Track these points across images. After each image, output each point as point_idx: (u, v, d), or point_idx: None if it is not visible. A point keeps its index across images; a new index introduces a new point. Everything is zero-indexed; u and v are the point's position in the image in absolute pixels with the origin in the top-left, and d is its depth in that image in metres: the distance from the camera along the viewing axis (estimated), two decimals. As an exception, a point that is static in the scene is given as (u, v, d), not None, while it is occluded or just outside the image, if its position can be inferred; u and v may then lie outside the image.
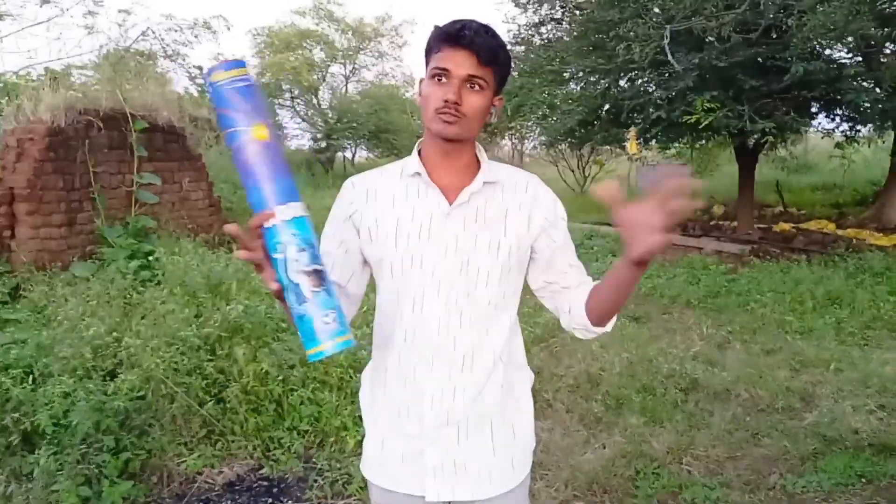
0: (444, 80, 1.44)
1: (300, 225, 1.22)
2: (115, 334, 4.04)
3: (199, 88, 15.07)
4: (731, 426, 4.02)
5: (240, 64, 1.23)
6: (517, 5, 11.07)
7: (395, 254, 1.53)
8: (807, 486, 3.36)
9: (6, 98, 7.29)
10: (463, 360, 1.54)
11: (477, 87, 1.45)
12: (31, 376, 3.63)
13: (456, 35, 1.42)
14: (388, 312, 1.58)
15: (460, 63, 1.42)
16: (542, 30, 11.37)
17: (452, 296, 1.52)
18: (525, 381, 1.69)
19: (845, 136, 10.07)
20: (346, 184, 1.63)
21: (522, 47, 11.43)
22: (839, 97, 8.55)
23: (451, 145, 1.51)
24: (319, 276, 1.23)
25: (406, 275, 1.53)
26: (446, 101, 1.43)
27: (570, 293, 1.60)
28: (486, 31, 1.44)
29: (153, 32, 12.60)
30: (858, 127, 9.76)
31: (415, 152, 1.58)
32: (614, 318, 1.57)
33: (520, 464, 1.66)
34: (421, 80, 1.53)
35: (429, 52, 1.48)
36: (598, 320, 1.54)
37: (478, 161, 1.58)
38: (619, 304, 1.51)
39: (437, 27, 1.47)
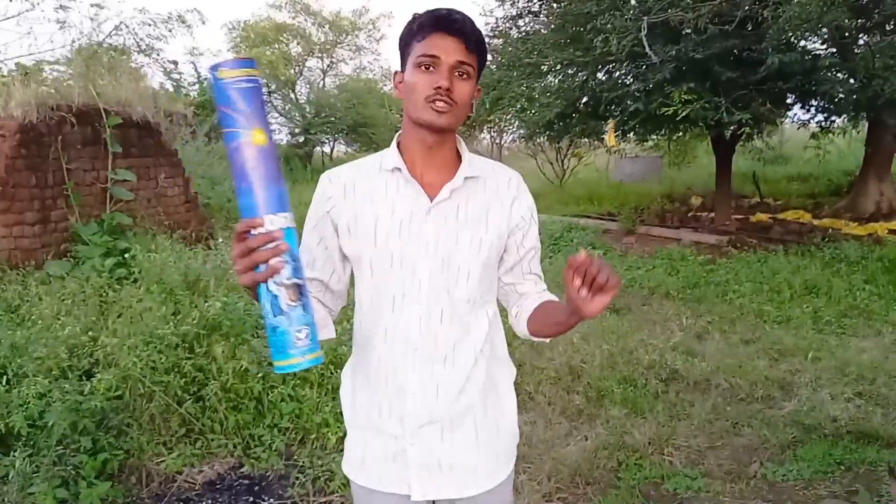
0: (432, 67, 1.41)
1: (287, 237, 1.21)
2: (90, 333, 3.98)
3: (175, 83, 14.90)
4: (711, 416, 4.04)
5: (250, 63, 1.20)
6: (494, -2, 11.07)
7: (375, 251, 1.50)
8: (787, 474, 3.39)
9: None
10: (444, 358, 1.52)
11: (465, 75, 1.42)
12: (4, 377, 3.57)
13: (445, 21, 1.40)
14: (368, 309, 1.56)
15: (450, 50, 1.40)
16: (520, 22, 11.35)
17: (433, 294, 1.50)
18: (507, 376, 1.68)
19: (820, 126, 10.18)
20: (322, 178, 1.60)
21: (500, 40, 11.40)
22: (814, 88, 8.63)
23: (436, 137, 1.48)
24: (298, 290, 1.22)
25: (385, 272, 1.50)
26: (438, 89, 1.39)
27: (521, 300, 1.63)
28: (470, 18, 1.43)
29: (126, 27, 12.39)
30: (833, 117, 9.85)
31: (393, 145, 1.54)
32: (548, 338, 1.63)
33: (504, 459, 1.65)
34: (397, 73, 1.50)
35: (408, 41, 1.45)
36: (536, 335, 1.59)
37: (458, 154, 1.56)
38: (554, 335, 1.58)
39: (416, 15, 1.45)
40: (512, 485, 1.70)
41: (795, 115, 10.43)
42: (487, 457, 1.60)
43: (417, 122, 1.45)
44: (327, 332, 1.53)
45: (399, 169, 1.50)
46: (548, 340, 1.63)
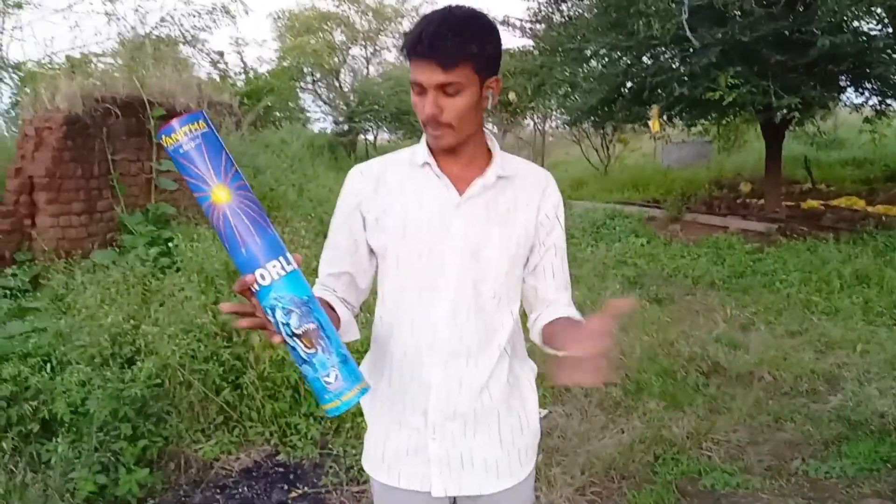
0: (421, 92, 1.40)
1: (285, 285, 1.12)
2: (133, 322, 4.06)
3: (220, 74, 15.09)
4: (752, 410, 3.95)
5: (191, 119, 1.10)
6: (537, -18, 10.90)
7: (403, 244, 1.49)
8: (830, 471, 3.30)
9: (26, 87, 7.34)
10: (469, 353, 1.51)
11: (453, 92, 1.38)
12: (49, 364, 3.66)
13: (413, 47, 1.35)
14: (393, 302, 1.55)
15: (428, 75, 1.36)
16: (563, 7, 11.16)
17: (460, 288, 1.49)
18: (530, 373, 1.67)
19: (875, 110, 9.81)
20: (351, 172, 1.59)
21: (542, 25, 11.26)
22: (868, 70, 8.32)
23: (449, 150, 1.49)
24: (312, 335, 1.14)
25: (413, 266, 1.50)
26: (427, 116, 1.39)
27: (541, 305, 1.59)
28: (451, 28, 1.35)
29: (172, 18, 12.60)
30: (889, 101, 9.50)
31: (423, 141, 1.53)
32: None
33: (526, 457, 1.63)
34: None
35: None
36: (548, 345, 1.52)
37: (488, 150, 1.54)
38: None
39: (405, 32, 1.43)
40: (533, 483, 1.69)
41: (849, 98, 10.08)
42: (510, 454, 1.58)
43: None
44: (351, 334, 1.50)
45: (429, 164, 1.50)
46: (560, 354, 1.55)
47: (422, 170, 1.51)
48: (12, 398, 3.33)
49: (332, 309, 1.39)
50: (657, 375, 4.32)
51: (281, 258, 1.13)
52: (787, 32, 7.74)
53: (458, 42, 1.34)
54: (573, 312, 1.56)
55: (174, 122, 1.09)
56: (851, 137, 16.74)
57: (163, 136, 1.10)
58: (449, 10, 1.39)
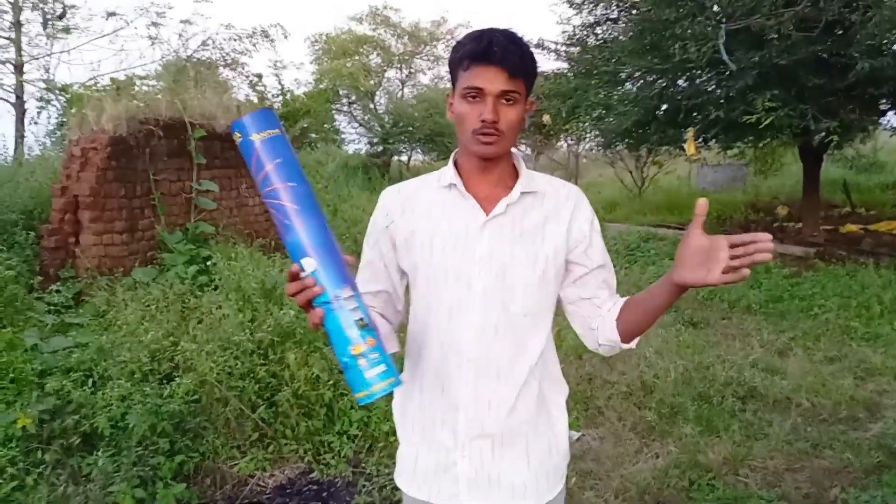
0: (477, 98, 1.42)
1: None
2: (172, 338, 4.14)
3: (259, 95, 15.37)
4: (790, 437, 3.89)
5: (271, 122, 1.26)
6: (571, 6, 10.93)
7: (431, 264, 1.52)
8: (870, 500, 3.23)
9: (72, 109, 7.55)
10: (498, 373, 1.52)
11: (511, 101, 1.43)
12: (90, 379, 3.75)
13: (485, 52, 1.40)
14: (423, 322, 1.58)
15: (492, 80, 1.41)
16: (598, 30, 11.18)
17: (488, 308, 1.50)
18: (560, 395, 1.66)
19: (916, 133, 9.66)
20: (382, 194, 1.63)
21: (577, 48, 11.28)
22: (909, 94, 8.20)
23: (488, 162, 1.51)
24: (367, 326, 1.26)
25: (441, 286, 1.52)
26: (484, 122, 1.42)
27: (600, 312, 1.57)
28: (513, 41, 1.42)
29: (213, 42, 12.90)
30: (930, 124, 9.35)
31: (451, 162, 1.57)
32: (639, 338, 1.55)
33: (555, 478, 1.63)
34: (448, 96, 1.52)
35: (454, 68, 1.47)
36: (626, 337, 1.52)
37: (515, 170, 1.56)
38: (650, 324, 1.51)
39: (459, 43, 1.46)
40: (563, 502, 1.68)
41: (888, 121, 9.93)
42: (538, 475, 1.59)
43: (468, 152, 1.50)
44: (391, 346, 1.54)
45: (455, 185, 1.52)
46: (634, 343, 1.55)
47: (448, 192, 1.54)
48: (55, 412, 3.42)
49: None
50: (692, 400, 4.27)
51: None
52: (825, 56, 7.66)
53: (521, 55, 1.43)
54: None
55: (257, 116, 1.25)
56: (892, 161, 16.47)
57: (251, 132, 1.25)
58: (505, 29, 1.45)
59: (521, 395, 1.54)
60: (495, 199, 1.52)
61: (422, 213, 1.55)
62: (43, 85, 12.29)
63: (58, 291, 5.22)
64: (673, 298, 1.39)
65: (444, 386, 1.55)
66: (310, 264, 1.24)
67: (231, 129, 1.27)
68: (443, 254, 1.51)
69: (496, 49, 1.40)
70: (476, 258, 1.50)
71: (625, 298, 1.55)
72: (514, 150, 1.56)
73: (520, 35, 1.46)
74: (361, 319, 1.25)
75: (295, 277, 1.25)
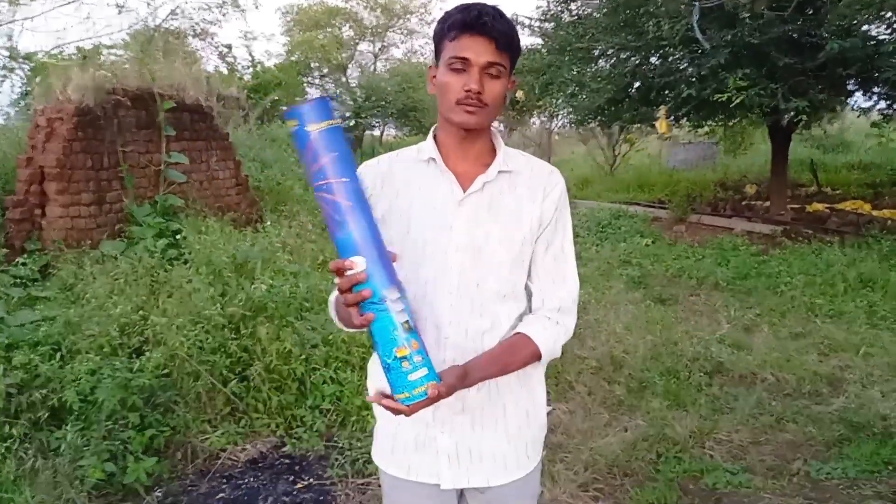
0: (462, 69, 1.41)
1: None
2: (141, 312, 4.10)
3: (228, 67, 15.13)
4: (755, 411, 3.97)
5: (329, 112, 1.25)
6: (547, -19, 10.91)
7: (407, 239, 1.51)
8: (831, 472, 3.32)
9: (37, 78, 7.38)
10: (474, 349, 1.52)
11: (496, 74, 1.43)
12: (58, 353, 3.71)
13: (474, 22, 1.39)
14: None
15: (480, 51, 1.40)
16: (572, 6, 11.17)
17: (463, 284, 1.50)
18: (538, 368, 1.67)
19: (882, 114, 9.81)
20: (360, 168, 1.61)
21: (551, 24, 11.26)
22: (876, 75, 8.31)
23: (469, 133, 1.49)
24: (412, 329, 1.28)
25: (417, 263, 1.51)
26: (468, 91, 1.41)
27: (532, 306, 1.59)
28: (502, 15, 1.42)
29: (182, 11, 12.64)
30: (896, 105, 9.49)
31: (430, 136, 1.56)
32: None
33: (533, 450, 1.65)
34: (431, 68, 1.51)
35: (440, 39, 1.46)
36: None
37: (494, 147, 1.56)
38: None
39: (447, 14, 1.45)
40: (540, 475, 1.71)
41: (856, 102, 10.07)
42: (517, 447, 1.60)
43: (449, 122, 1.48)
44: None
45: (434, 159, 1.52)
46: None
47: (427, 166, 1.53)
48: (22, 386, 3.38)
49: None
50: (660, 375, 4.34)
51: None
52: (796, 36, 7.74)
53: (509, 29, 1.43)
54: (541, 326, 1.55)
55: (317, 105, 1.24)
56: (858, 141, 16.74)
57: (308, 122, 1.23)
58: (493, 5, 1.44)
59: None
60: (473, 175, 1.51)
61: (400, 188, 1.54)
62: (6, 53, 11.99)
63: (24, 264, 5.13)
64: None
65: None
66: (360, 263, 1.24)
67: (285, 115, 1.26)
68: (420, 229, 1.50)
69: (485, 19, 1.39)
70: (452, 235, 1.49)
71: (529, 328, 1.54)
72: (492, 127, 1.55)
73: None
74: (407, 322, 1.26)
75: (340, 272, 1.25)
